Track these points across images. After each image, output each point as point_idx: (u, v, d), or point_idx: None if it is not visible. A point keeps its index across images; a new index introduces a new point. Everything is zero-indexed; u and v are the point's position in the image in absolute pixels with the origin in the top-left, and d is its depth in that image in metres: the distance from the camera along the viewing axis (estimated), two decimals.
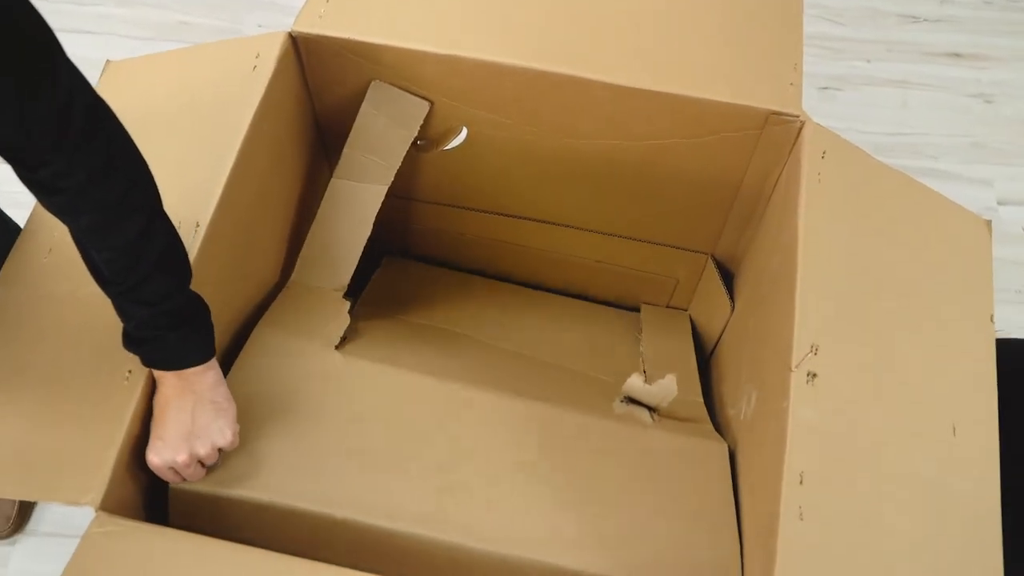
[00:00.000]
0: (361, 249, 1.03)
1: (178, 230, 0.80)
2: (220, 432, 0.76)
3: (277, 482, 0.80)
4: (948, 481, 0.76)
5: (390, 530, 0.79)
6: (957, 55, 1.90)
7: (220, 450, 0.78)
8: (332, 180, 1.03)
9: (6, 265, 0.85)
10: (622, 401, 1.01)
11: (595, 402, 1.01)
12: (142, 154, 0.70)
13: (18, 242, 0.87)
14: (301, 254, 1.03)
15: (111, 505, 0.72)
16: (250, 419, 0.83)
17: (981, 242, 0.91)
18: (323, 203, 1.03)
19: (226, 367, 0.86)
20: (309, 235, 1.04)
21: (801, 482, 0.74)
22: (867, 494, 0.75)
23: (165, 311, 0.72)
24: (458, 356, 1.08)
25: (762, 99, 0.94)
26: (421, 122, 1.02)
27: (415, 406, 0.91)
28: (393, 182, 1.03)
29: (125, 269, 0.70)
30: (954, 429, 0.79)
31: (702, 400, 1.09)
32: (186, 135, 0.90)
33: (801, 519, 0.72)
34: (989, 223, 0.92)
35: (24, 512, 1.34)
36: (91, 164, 0.65)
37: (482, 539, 0.79)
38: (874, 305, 0.84)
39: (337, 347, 0.94)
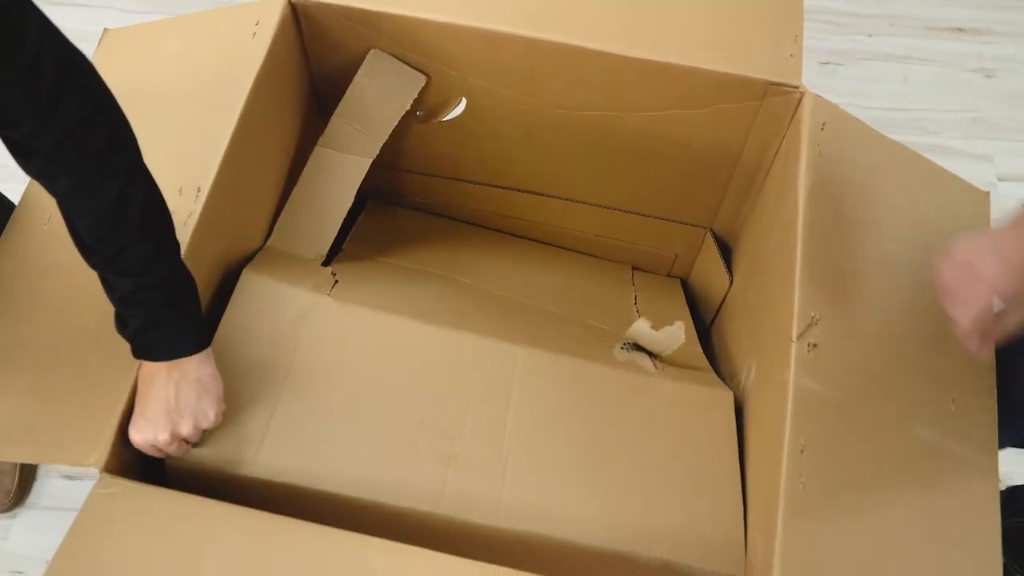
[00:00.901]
0: (340, 221, 1.01)
1: (180, 195, 0.79)
2: (203, 412, 0.75)
3: (274, 458, 0.79)
4: (948, 447, 0.76)
5: (392, 507, 0.79)
6: (959, 30, 1.89)
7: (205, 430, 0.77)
8: (316, 148, 1.02)
9: (5, 235, 0.85)
10: (623, 347, 0.99)
11: (595, 349, 0.98)
12: (124, 113, 0.68)
13: (16, 211, 0.87)
14: (278, 222, 1.01)
15: (114, 467, 0.72)
16: (244, 382, 0.82)
17: (981, 214, 0.91)
18: (305, 171, 1.01)
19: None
20: (288, 203, 1.02)
21: (802, 451, 0.74)
22: (868, 463, 0.75)
23: (149, 284, 0.70)
24: (453, 301, 1.05)
25: (761, 70, 0.93)
26: (415, 95, 1.01)
27: (412, 355, 0.89)
28: (385, 152, 1.02)
29: (107, 236, 0.68)
30: (953, 400, 0.79)
31: (702, 351, 1.08)
32: (186, 102, 0.90)
33: (803, 488, 0.72)
34: (988, 195, 0.92)
35: (24, 486, 1.34)
36: (65, 123, 0.63)
37: (486, 515, 0.79)
38: (874, 276, 0.84)
39: (328, 293, 0.91)
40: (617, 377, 0.93)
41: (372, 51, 1.00)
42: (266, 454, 0.79)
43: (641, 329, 0.97)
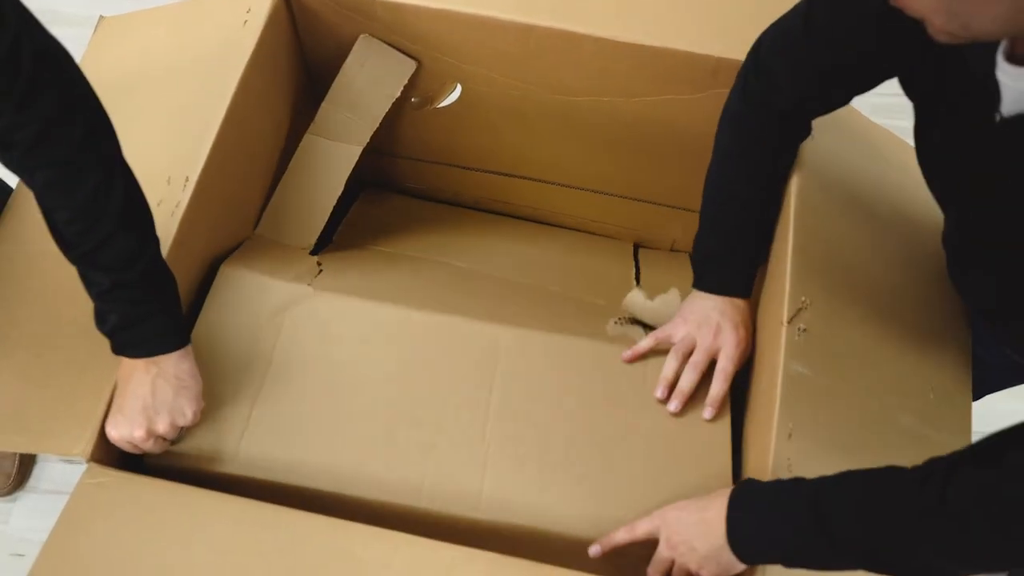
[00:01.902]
0: (330, 210, 1.01)
1: (168, 184, 0.79)
2: (180, 410, 0.73)
3: (253, 454, 0.78)
4: (926, 434, 0.77)
5: (371, 501, 0.78)
6: None
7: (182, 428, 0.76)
8: (306, 136, 1.01)
9: (2, 219, 0.85)
10: (616, 322, 0.95)
11: (587, 325, 0.95)
12: (103, 107, 0.67)
13: (13, 196, 0.87)
14: (266, 211, 1.01)
15: (102, 456, 0.73)
16: (223, 377, 0.81)
17: None
18: (294, 159, 1.01)
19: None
20: (276, 191, 1.01)
21: (790, 436, 0.74)
22: (852, 447, 0.75)
23: (128, 281, 0.69)
24: (442, 285, 1.03)
25: None
26: (406, 81, 1.01)
27: (394, 342, 0.87)
28: (379, 139, 1.02)
29: (84, 230, 0.67)
30: (933, 389, 0.79)
31: None
32: (177, 91, 0.89)
33: (789, 471, 0.73)
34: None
35: (24, 470, 1.36)
36: (44, 115, 0.62)
37: (466, 507, 0.79)
38: (864, 262, 0.84)
39: (309, 283, 0.90)
40: (607, 352, 0.89)
41: (362, 36, 0.99)
42: (245, 450, 0.78)
43: (635, 299, 0.95)
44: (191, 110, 0.87)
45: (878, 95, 1.75)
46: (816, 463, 0.73)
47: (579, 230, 1.27)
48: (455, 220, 1.24)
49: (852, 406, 0.77)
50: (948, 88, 0.66)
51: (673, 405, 0.84)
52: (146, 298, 0.71)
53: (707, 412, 0.84)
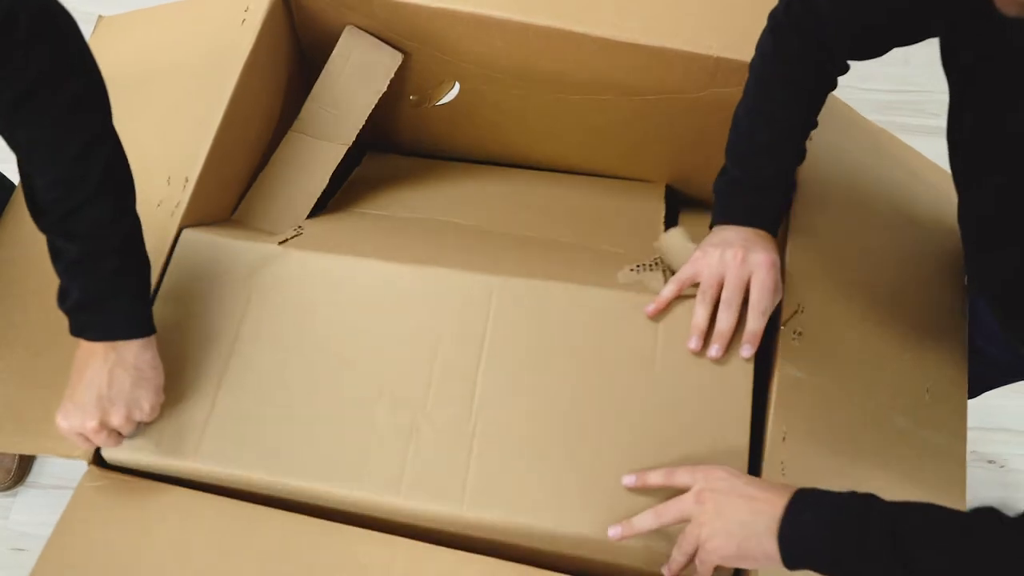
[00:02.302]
0: (311, 205, 0.95)
1: (168, 184, 0.79)
2: (137, 403, 0.68)
3: (217, 447, 0.72)
4: (922, 436, 0.77)
5: (346, 497, 0.72)
6: None
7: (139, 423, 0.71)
8: (289, 132, 0.98)
9: (4, 218, 0.86)
10: (634, 269, 0.83)
11: (596, 273, 0.83)
12: (101, 75, 0.66)
13: (15, 195, 0.87)
14: (243, 200, 0.95)
15: (102, 459, 0.73)
16: (185, 359, 0.75)
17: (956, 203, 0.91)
18: (275, 154, 0.98)
19: None
20: (254, 185, 0.97)
21: (784, 439, 0.75)
22: (846, 450, 0.76)
23: (98, 251, 0.65)
24: (435, 241, 0.93)
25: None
26: (391, 75, 0.98)
27: (374, 301, 0.78)
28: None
29: (62, 196, 0.64)
30: (928, 390, 0.80)
31: None
32: (176, 90, 0.90)
33: (783, 474, 0.73)
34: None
35: (24, 465, 1.36)
36: (34, 75, 0.61)
37: (449, 501, 0.71)
38: (859, 265, 0.85)
39: (281, 243, 0.82)
40: (617, 300, 0.78)
41: (347, 28, 0.97)
42: (209, 442, 0.73)
43: (675, 240, 0.84)
44: (190, 109, 0.87)
45: (881, 91, 1.77)
46: (809, 466, 0.74)
47: (601, 175, 1.15)
48: (462, 174, 1.13)
49: (846, 407, 0.77)
50: (989, 59, 0.64)
51: (714, 350, 0.75)
52: (114, 276, 0.67)
53: (745, 350, 0.75)
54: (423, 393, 0.75)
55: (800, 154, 0.81)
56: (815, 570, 0.62)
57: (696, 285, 0.78)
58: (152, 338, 0.70)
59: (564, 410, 0.74)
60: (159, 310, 0.75)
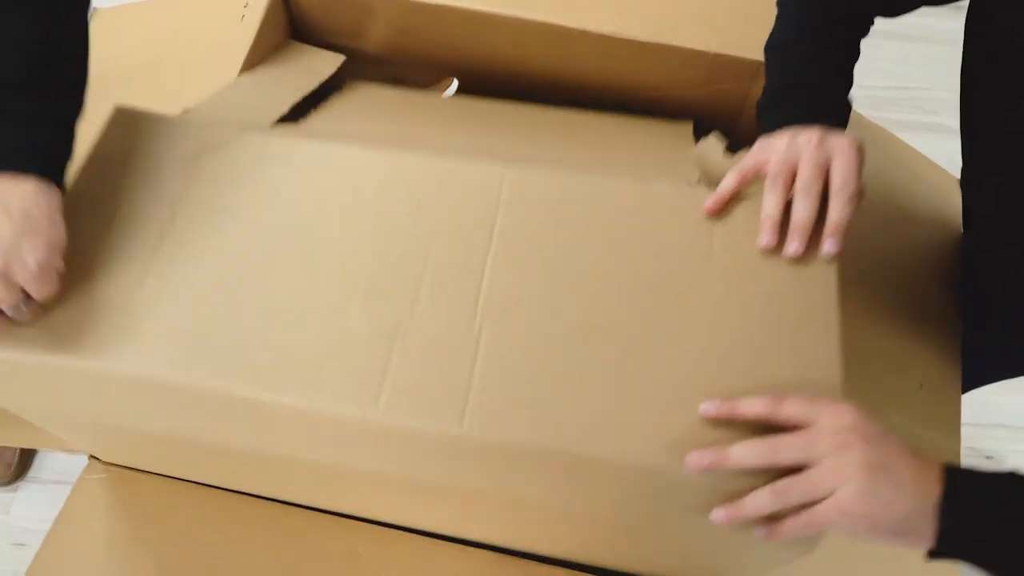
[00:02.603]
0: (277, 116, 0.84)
1: None
2: (20, 256, 0.52)
3: (138, 342, 0.56)
4: (915, 432, 0.78)
5: (305, 411, 0.55)
6: (960, 7, 1.87)
7: (30, 299, 0.55)
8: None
9: None
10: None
11: (631, 168, 0.72)
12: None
13: None
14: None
15: None
16: (104, 237, 0.60)
17: (953, 202, 0.91)
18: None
19: None
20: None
21: None
22: None
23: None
24: (437, 129, 0.81)
25: (753, 50, 0.93)
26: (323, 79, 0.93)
27: (356, 190, 0.63)
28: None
29: None
30: (921, 384, 0.80)
31: None
32: (173, 86, 0.89)
33: None
34: (959, 180, 0.93)
35: (25, 460, 1.36)
36: None
37: (443, 417, 0.54)
38: (857, 258, 0.85)
39: (240, 128, 0.68)
40: (659, 196, 0.63)
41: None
42: (122, 336, 0.56)
43: (711, 150, 0.75)
44: (187, 104, 0.87)
45: (881, 88, 1.76)
46: None
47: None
48: (470, 107, 0.98)
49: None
50: (989, 59, 0.64)
51: (794, 246, 0.60)
52: (14, 101, 0.55)
53: (828, 244, 0.60)
54: (413, 288, 0.59)
55: (857, 47, 0.68)
56: (962, 560, 0.51)
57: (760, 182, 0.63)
58: (56, 189, 0.56)
59: (596, 319, 0.58)
60: (76, 180, 0.62)
